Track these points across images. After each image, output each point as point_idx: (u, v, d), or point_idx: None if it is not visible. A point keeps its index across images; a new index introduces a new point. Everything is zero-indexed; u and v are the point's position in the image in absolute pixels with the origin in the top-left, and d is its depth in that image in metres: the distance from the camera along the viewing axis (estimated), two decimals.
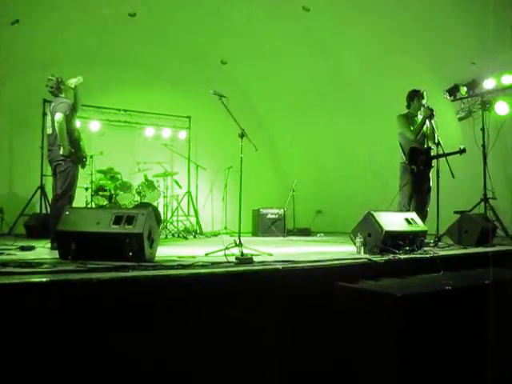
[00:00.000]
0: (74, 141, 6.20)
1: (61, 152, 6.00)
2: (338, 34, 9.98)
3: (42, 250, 5.29)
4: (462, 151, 6.47)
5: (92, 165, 9.40)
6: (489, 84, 8.94)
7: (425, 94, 6.86)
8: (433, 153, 6.65)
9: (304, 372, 3.61)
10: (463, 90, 9.27)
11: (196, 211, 11.02)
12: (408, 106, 7.01)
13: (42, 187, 10.21)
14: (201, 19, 10.30)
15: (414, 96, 6.93)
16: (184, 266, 3.64)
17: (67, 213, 4.26)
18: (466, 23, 8.38)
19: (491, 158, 8.43)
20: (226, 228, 11.09)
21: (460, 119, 9.49)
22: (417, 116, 6.91)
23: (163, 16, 10.20)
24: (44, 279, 2.85)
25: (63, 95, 6.32)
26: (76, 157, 6.15)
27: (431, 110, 6.63)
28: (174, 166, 11.91)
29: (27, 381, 2.63)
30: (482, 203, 8.03)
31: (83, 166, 6.49)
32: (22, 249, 5.31)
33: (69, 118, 6.12)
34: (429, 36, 8.98)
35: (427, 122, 6.72)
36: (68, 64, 9.54)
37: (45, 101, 10.19)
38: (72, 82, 6.32)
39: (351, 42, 10.06)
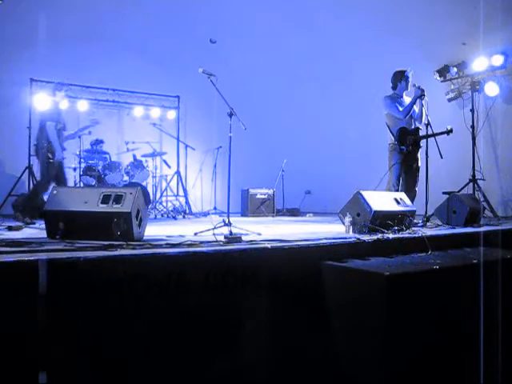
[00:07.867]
0: None
1: None
2: (327, 11, 9.90)
3: (30, 230, 5.26)
4: (449, 132, 6.48)
5: (80, 144, 9.34)
6: (479, 65, 8.94)
7: (410, 74, 6.82)
8: (421, 133, 6.66)
9: (290, 352, 3.63)
10: (453, 70, 9.27)
11: (185, 191, 10.98)
12: (393, 87, 6.97)
13: (29, 167, 10.12)
14: None
15: (400, 76, 6.88)
16: (172, 245, 3.62)
17: (55, 192, 4.22)
18: (456, 3, 8.34)
19: (480, 138, 8.47)
20: (215, 208, 11.07)
21: (449, 100, 9.52)
22: (402, 97, 6.88)
23: None
24: (32, 258, 2.83)
25: None
26: None
27: (422, 90, 6.60)
28: (163, 145, 11.89)
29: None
30: (471, 184, 8.07)
31: None
32: (10, 229, 5.28)
33: None
34: (419, 16, 8.93)
35: (417, 101, 6.70)
36: (56, 42, 9.43)
37: (31, 80, 10.10)
38: None
39: (341, 21, 9.99)
